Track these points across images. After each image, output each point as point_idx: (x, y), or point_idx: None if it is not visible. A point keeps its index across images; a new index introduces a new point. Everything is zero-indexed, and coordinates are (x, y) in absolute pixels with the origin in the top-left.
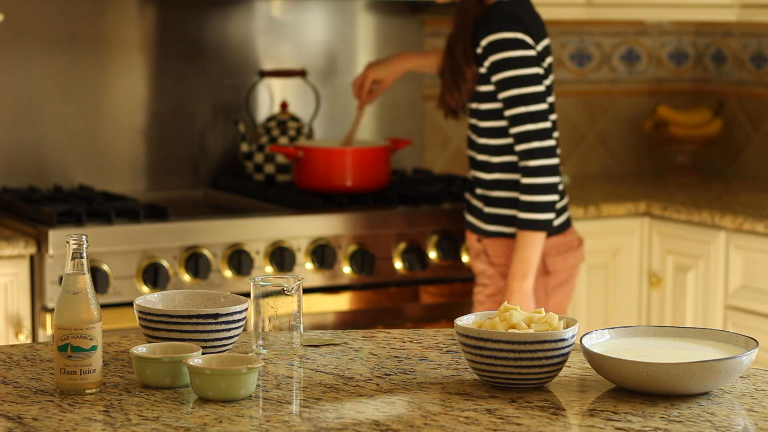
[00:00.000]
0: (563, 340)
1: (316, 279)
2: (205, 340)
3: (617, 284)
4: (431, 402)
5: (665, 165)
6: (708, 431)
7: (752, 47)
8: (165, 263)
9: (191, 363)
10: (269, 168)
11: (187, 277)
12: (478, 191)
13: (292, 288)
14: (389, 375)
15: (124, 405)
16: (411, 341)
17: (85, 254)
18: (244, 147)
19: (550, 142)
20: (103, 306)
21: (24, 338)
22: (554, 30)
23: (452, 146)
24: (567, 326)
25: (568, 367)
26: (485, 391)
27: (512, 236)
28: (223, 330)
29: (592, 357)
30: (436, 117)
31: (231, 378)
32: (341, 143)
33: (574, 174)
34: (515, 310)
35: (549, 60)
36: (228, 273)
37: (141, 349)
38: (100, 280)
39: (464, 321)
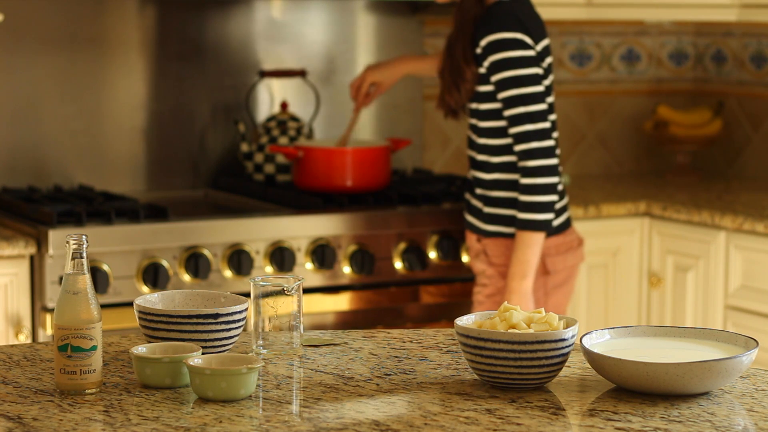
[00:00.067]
0: (563, 340)
1: (316, 279)
2: (205, 340)
3: (617, 284)
4: (431, 402)
5: (665, 165)
6: (708, 431)
7: (752, 47)
8: (165, 263)
9: (191, 363)
10: (269, 168)
11: (187, 277)
12: (478, 191)
13: (292, 288)
14: (389, 375)
15: (124, 405)
16: (411, 341)
17: (85, 254)
18: (244, 147)
19: (549, 143)
20: (103, 306)
21: (24, 338)
22: (554, 30)
23: (452, 146)
24: (567, 326)
25: (568, 367)
26: (485, 391)
27: (512, 236)
28: (223, 330)
29: (592, 357)
30: (436, 117)
31: (231, 378)
32: (336, 145)
33: (574, 174)
34: (515, 310)
35: (549, 60)
36: (228, 273)
37: (141, 349)
38: (100, 280)
39: (464, 321)
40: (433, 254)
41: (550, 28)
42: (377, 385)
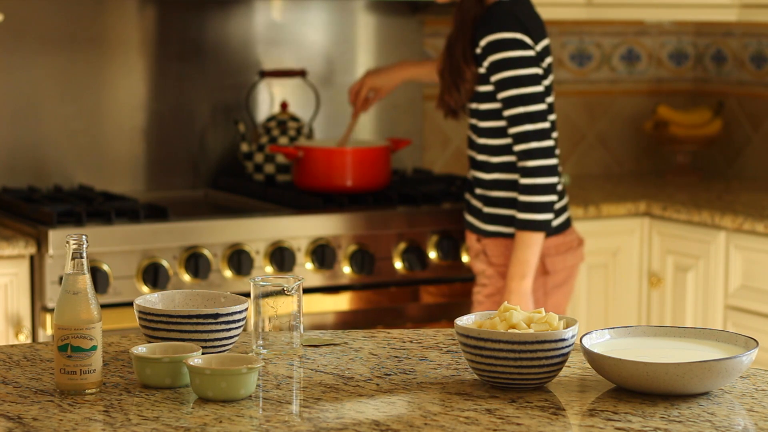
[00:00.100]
0: (563, 340)
1: (316, 279)
2: (205, 340)
3: (617, 284)
4: (431, 402)
5: (665, 165)
6: (708, 431)
7: (752, 47)
8: (165, 263)
9: (191, 363)
10: (269, 168)
11: (187, 277)
12: (478, 191)
13: (292, 288)
14: (389, 375)
15: (124, 405)
16: (411, 341)
17: (85, 254)
18: (244, 147)
19: (549, 143)
20: (103, 306)
21: (24, 338)
22: (554, 30)
23: (452, 146)
24: (567, 326)
25: (568, 367)
26: (485, 391)
27: (511, 236)
28: (223, 330)
29: (592, 357)
30: (436, 117)
31: (231, 378)
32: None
33: (574, 174)
34: (515, 310)
35: (548, 60)
36: (228, 273)
37: (141, 349)
38: (100, 280)
39: (464, 321)
40: (433, 254)
41: (550, 28)
42: (377, 385)
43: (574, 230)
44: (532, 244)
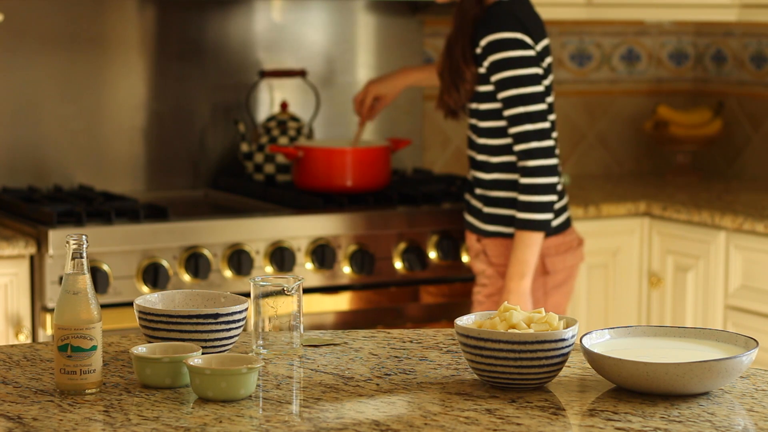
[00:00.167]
0: (563, 340)
1: (316, 279)
2: (205, 340)
3: (617, 284)
4: (431, 402)
5: (665, 165)
6: (708, 431)
7: (752, 47)
8: (165, 263)
9: (191, 363)
10: (269, 168)
11: (187, 277)
12: (478, 191)
13: (292, 288)
14: (389, 375)
15: (124, 405)
16: (411, 341)
17: (85, 254)
18: (244, 147)
19: (549, 143)
20: (103, 306)
21: (24, 338)
22: (554, 30)
23: (452, 146)
24: (567, 326)
25: (568, 367)
26: (485, 391)
27: (511, 236)
28: (223, 330)
29: (592, 357)
30: (436, 117)
31: (231, 378)
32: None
33: (574, 174)
34: (515, 310)
35: (548, 60)
36: (228, 273)
37: (141, 349)
38: (100, 280)
39: (464, 321)
40: (433, 254)
41: (550, 28)
42: (377, 385)
43: (573, 230)
44: (532, 243)
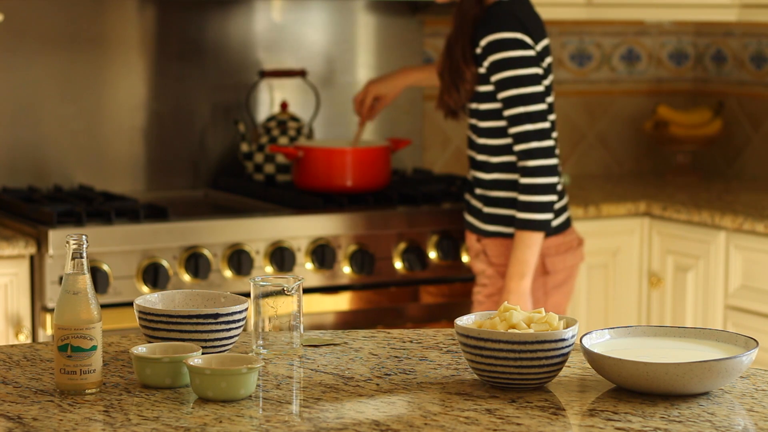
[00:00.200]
0: (563, 340)
1: (316, 279)
2: (205, 340)
3: (617, 284)
4: (431, 402)
5: (665, 165)
6: (708, 431)
7: (752, 47)
8: (165, 263)
9: (191, 363)
10: (269, 168)
11: (187, 277)
12: (478, 191)
13: (292, 288)
14: (389, 375)
15: (124, 405)
16: (411, 341)
17: (85, 254)
18: (244, 147)
19: (549, 143)
20: (103, 306)
21: (24, 338)
22: (554, 30)
23: (452, 146)
24: (567, 326)
25: (568, 367)
26: (485, 391)
27: (511, 236)
28: (223, 330)
29: (592, 357)
30: (436, 117)
31: (231, 378)
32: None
33: (574, 174)
34: (515, 310)
35: (548, 60)
36: (228, 273)
37: (141, 349)
38: (100, 280)
39: (464, 321)
40: (433, 254)
41: (550, 28)
42: (377, 385)
43: (574, 230)
44: (532, 243)
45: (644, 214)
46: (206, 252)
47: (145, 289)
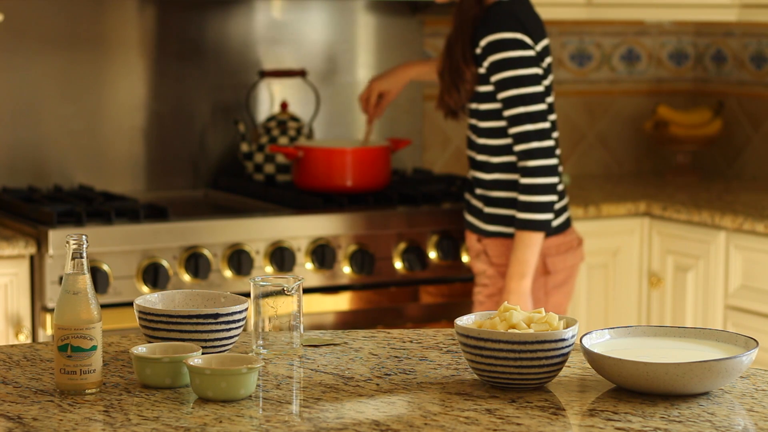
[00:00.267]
0: (563, 340)
1: (316, 279)
2: (205, 340)
3: (617, 284)
4: (431, 402)
5: (665, 165)
6: (708, 431)
7: (752, 47)
8: (165, 263)
9: (191, 363)
10: (269, 168)
11: (187, 277)
12: (478, 191)
13: (292, 288)
14: (389, 375)
15: (124, 405)
16: (411, 341)
17: (85, 254)
18: (244, 147)
19: (549, 143)
20: (103, 306)
21: (24, 338)
22: (554, 30)
23: (452, 146)
24: (567, 326)
25: (568, 367)
26: (485, 391)
27: (512, 236)
28: (223, 330)
29: (592, 357)
30: (436, 117)
31: (231, 378)
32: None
33: (574, 174)
34: (515, 310)
35: (548, 60)
36: (228, 273)
37: (141, 349)
38: (100, 280)
39: (464, 321)
40: (433, 254)
41: (550, 28)
42: (377, 385)
43: (574, 230)
44: (532, 244)
45: (644, 214)
46: (206, 252)
47: (145, 289)
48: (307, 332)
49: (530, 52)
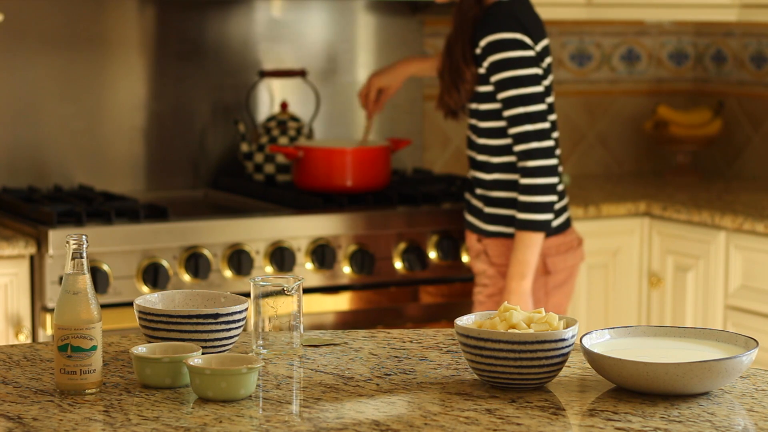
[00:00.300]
0: (563, 340)
1: (316, 279)
2: (205, 340)
3: (617, 284)
4: (431, 402)
5: (665, 165)
6: (708, 431)
7: (752, 47)
8: (165, 263)
9: (191, 363)
10: (269, 168)
11: (187, 277)
12: (478, 191)
13: (292, 288)
14: (389, 375)
15: (124, 405)
16: (411, 341)
17: (85, 254)
18: (244, 147)
19: (549, 143)
20: (103, 306)
21: (24, 338)
22: (554, 30)
23: (452, 146)
24: (567, 326)
25: (568, 367)
26: (485, 391)
27: (512, 236)
28: (223, 330)
29: (592, 357)
30: (436, 117)
31: (231, 378)
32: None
33: (574, 174)
34: (515, 310)
35: (548, 60)
36: (228, 273)
37: (141, 349)
38: (100, 280)
39: (464, 321)
40: (433, 254)
41: (550, 28)
42: (377, 385)
43: (574, 230)
44: (532, 244)
45: (644, 214)
46: (206, 252)
47: (145, 289)
48: (307, 332)
49: (530, 53)
